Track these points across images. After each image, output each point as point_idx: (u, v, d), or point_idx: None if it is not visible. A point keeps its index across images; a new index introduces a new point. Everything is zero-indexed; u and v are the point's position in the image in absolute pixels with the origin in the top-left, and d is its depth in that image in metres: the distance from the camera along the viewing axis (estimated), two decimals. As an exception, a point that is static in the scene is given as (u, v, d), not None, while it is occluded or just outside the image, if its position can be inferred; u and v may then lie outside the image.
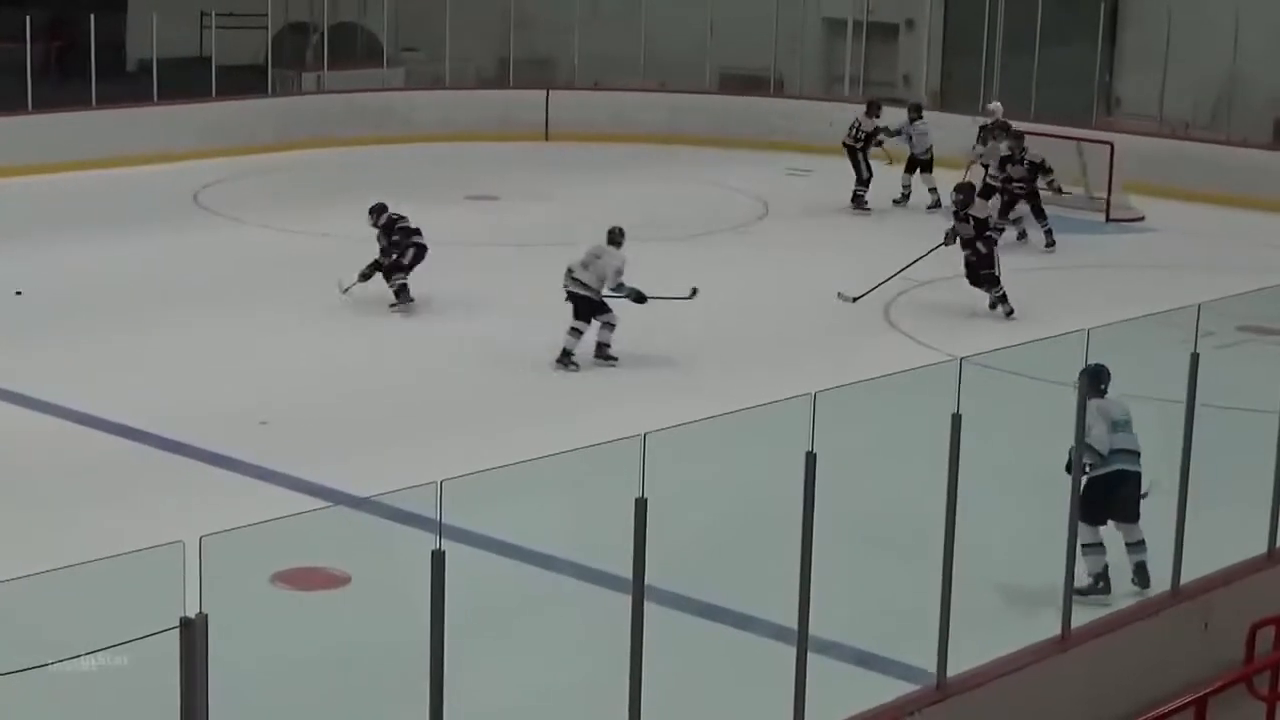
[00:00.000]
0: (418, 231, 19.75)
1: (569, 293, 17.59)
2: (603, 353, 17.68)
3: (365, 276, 19.55)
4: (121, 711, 9.00)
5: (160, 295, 20.27)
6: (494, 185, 27.28)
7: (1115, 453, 11.71)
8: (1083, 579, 11.17)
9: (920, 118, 26.79)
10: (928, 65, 33.26)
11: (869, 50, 33.27)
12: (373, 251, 19.66)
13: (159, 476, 14.24)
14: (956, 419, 9.30)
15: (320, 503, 12.87)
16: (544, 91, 32.22)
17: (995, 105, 26.92)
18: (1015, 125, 25.56)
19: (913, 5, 33.52)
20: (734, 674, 10.56)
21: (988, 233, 20.48)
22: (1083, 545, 11.21)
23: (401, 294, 19.60)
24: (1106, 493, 11.67)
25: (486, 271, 21.89)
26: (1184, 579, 11.10)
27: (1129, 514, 11.77)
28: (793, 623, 8.78)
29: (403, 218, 19.81)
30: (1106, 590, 11.65)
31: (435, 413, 16.08)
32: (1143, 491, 11.80)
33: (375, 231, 19.74)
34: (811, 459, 8.53)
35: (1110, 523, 11.78)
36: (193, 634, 6.61)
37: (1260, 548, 11.80)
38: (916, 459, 10.92)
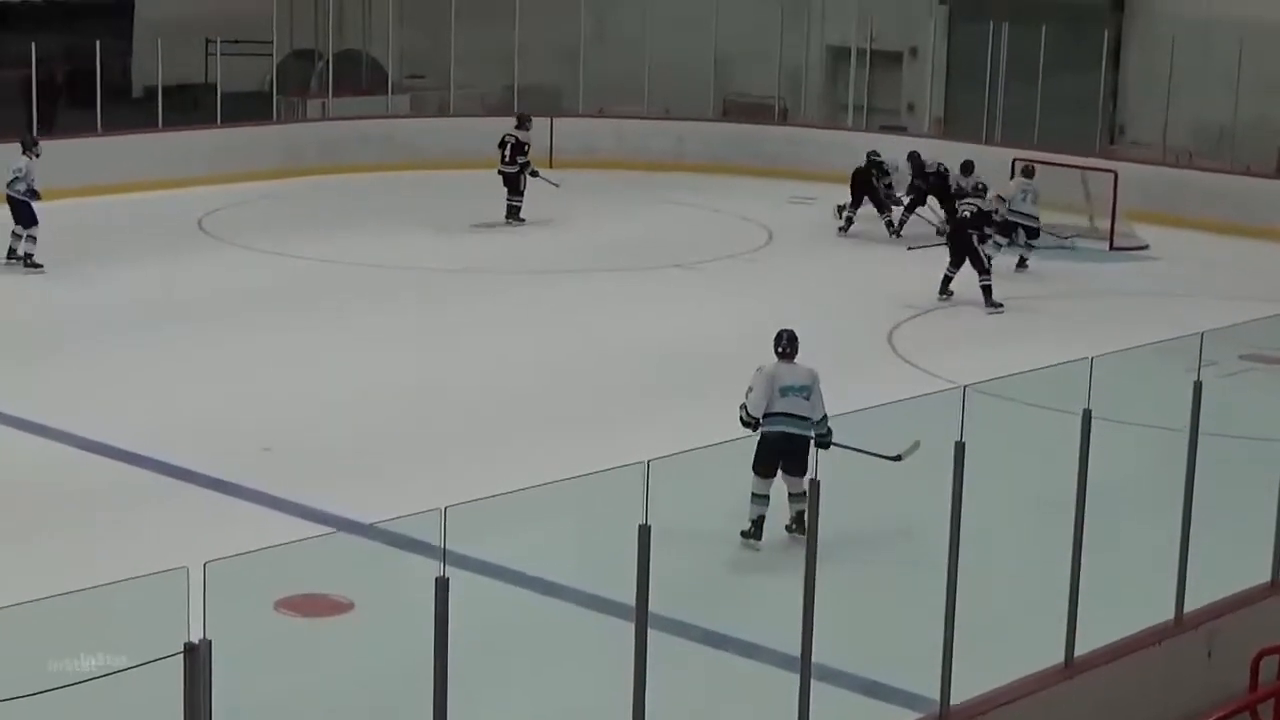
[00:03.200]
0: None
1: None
2: None
3: None
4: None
5: (164, 321, 20.27)
6: (498, 213, 27.30)
7: (776, 415, 13.14)
8: (745, 524, 12.08)
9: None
10: (931, 93, 33.31)
11: (873, 78, 33.32)
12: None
13: (162, 503, 14.23)
14: (960, 447, 9.31)
15: (323, 529, 12.85)
16: (548, 119, 32.29)
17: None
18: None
19: (916, 33, 33.57)
20: (738, 702, 10.55)
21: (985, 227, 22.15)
22: (752, 494, 12.98)
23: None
24: (774, 450, 12.98)
25: (491, 298, 21.91)
26: (1188, 607, 11.09)
27: (792, 469, 12.96)
28: (797, 650, 8.77)
29: None
30: (758, 538, 12.92)
31: (439, 439, 16.07)
32: (896, 455, 12.48)
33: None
34: (815, 486, 8.54)
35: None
36: (196, 660, 6.61)
37: (1264, 576, 11.80)
38: (921, 486, 10.92)
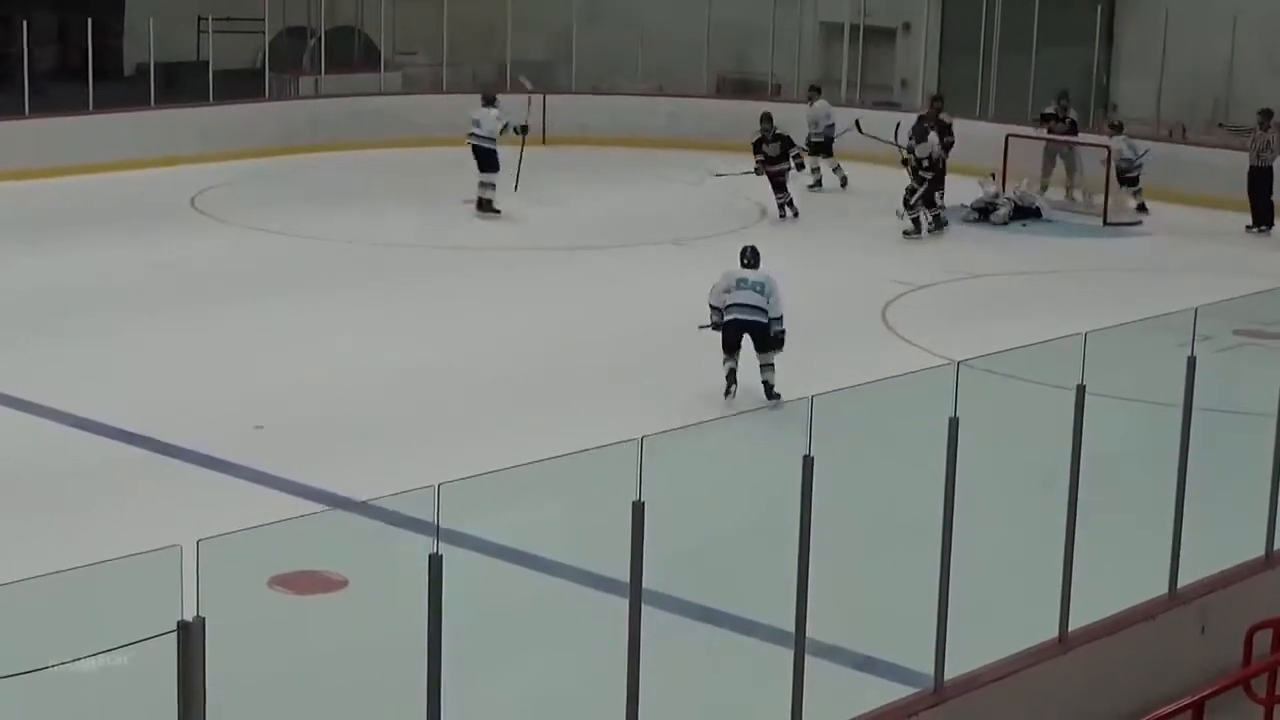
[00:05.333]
0: None
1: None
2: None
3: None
4: (120, 715, 8.99)
5: (157, 299, 20.26)
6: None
7: (733, 305, 16.12)
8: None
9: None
10: (925, 68, 33.25)
11: (866, 54, 33.25)
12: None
13: (155, 480, 14.23)
14: (954, 423, 9.31)
15: (317, 506, 12.86)
16: (542, 96, 32.22)
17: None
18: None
19: (910, 8, 33.49)
20: (732, 678, 10.57)
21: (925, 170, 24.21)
22: (725, 365, 16.20)
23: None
24: (734, 335, 16.18)
25: (485, 275, 21.90)
26: (1181, 582, 11.11)
27: (758, 346, 16.11)
28: (791, 626, 8.78)
29: None
30: (731, 392, 16.15)
31: (433, 415, 16.07)
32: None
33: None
34: (809, 462, 8.53)
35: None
36: (190, 637, 6.61)
37: (1258, 551, 11.81)
38: (914, 463, 10.92)
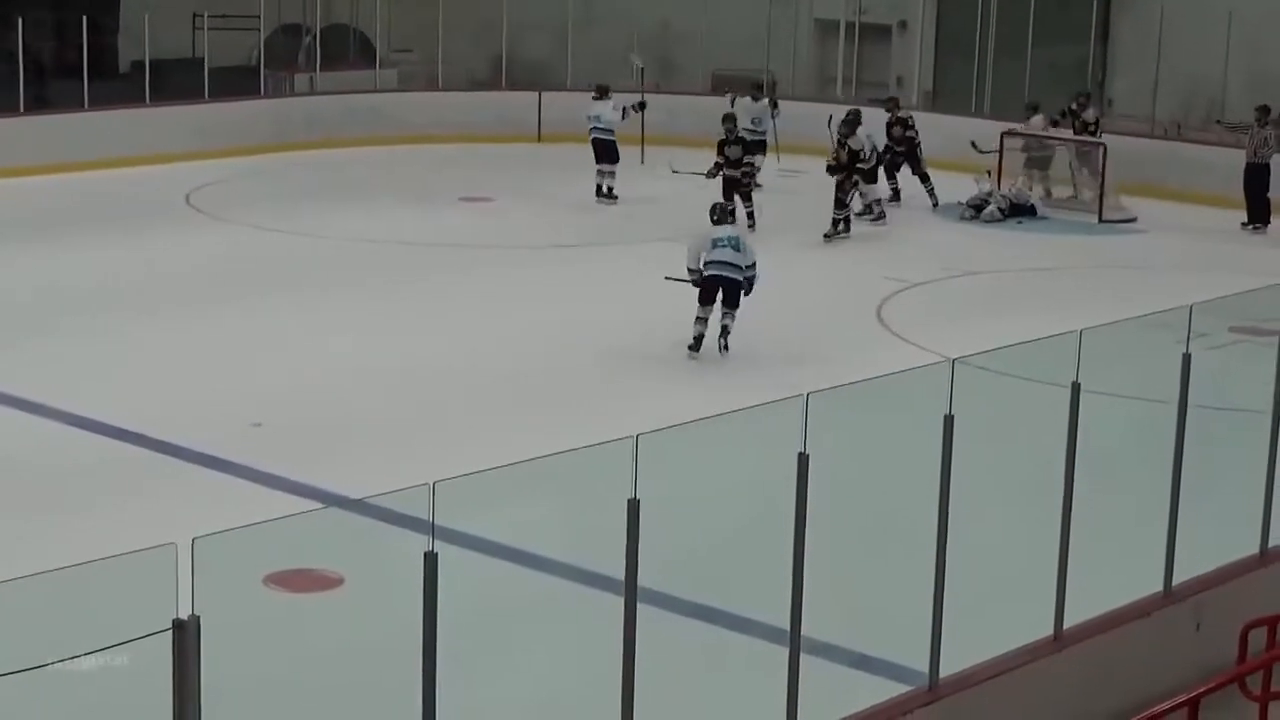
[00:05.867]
0: None
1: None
2: None
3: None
4: (115, 713, 9.00)
5: (153, 297, 20.25)
6: (488, 186, 27.30)
7: (711, 263, 17.79)
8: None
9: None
10: (920, 66, 33.26)
11: (861, 51, 33.27)
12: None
13: (151, 478, 14.23)
14: (949, 420, 9.32)
15: (313, 504, 12.87)
16: (537, 93, 32.21)
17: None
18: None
19: (905, 6, 33.50)
20: (727, 676, 10.56)
21: (857, 164, 24.18)
22: (695, 317, 17.80)
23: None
24: (711, 289, 17.76)
25: (481, 272, 21.90)
26: (1176, 579, 11.12)
27: (726, 302, 17.77)
28: (786, 624, 8.78)
29: None
30: (696, 350, 17.80)
31: (429, 413, 16.08)
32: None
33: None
34: (804, 460, 8.54)
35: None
36: (185, 636, 6.62)
37: (1252, 548, 11.83)
38: (909, 460, 10.93)
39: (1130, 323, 12.39)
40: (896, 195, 26.86)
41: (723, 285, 17.81)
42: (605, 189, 26.35)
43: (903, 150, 27.14)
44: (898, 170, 27.05)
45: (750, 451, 11.23)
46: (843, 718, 9.12)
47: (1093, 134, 27.59)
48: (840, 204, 24.05)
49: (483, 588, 10.67)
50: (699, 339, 17.80)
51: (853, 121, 24.70)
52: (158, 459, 14.66)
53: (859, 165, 24.42)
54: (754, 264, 17.91)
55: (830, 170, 24.26)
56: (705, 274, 17.85)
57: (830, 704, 9.14)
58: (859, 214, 25.10)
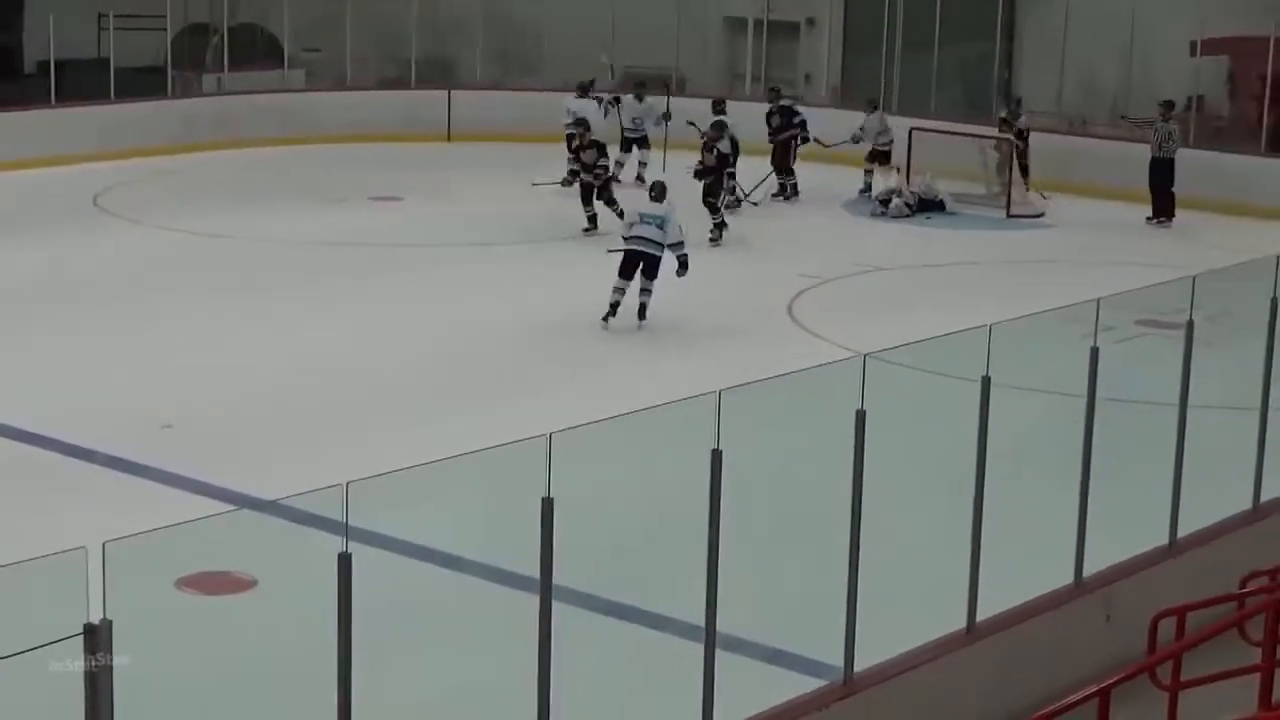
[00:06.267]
0: None
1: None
2: None
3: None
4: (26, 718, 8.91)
5: (61, 299, 20.07)
6: (397, 185, 27.21)
7: (632, 237, 18.86)
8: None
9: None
10: (828, 63, 33.39)
11: (770, 49, 33.35)
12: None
13: (60, 482, 14.09)
14: (860, 415, 9.35)
15: (224, 506, 12.77)
16: (445, 91, 32.13)
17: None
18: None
19: (813, 4, 33.63)
20: (643, 673, 10.57)
21: (728, 169, 24.59)
22: (612, 287, 18.73)
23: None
24: (631, 262, 18.76)
25: (391, 272, 21.82)
26: (1086, 571, 11.21)
27: (646, 273, 18.77)
28: (701, 621, 8.79)
29: None
30: (612, 316, 18.67)
31: (342, 414, 16.00)
32: None
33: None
34: (717, 456, 8.55)
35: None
36: (96, 640, 6.55)
37: (1161, 539, 11.94)
38: (822, 455, 10.96)
39: (1039, 317, 12.47)
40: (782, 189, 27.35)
41: (642, 259, 18.80)
42: (639, 177, 27.04)
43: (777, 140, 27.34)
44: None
45: (664, 449, 11.26)
46: (759, 713, 9.13)
47: (1024, 141, 27.61)
48: (713, 209, 23.76)
49: (397, 588, 10.63)
50: (614, 307, 18.69)
51: (720, 125, 24.82)
52: (67, 462, 14.52)
53: (728, 170, 24.56)
54: (681, 243, 18.98)
55: (698, 175, 23.89)
56: (626, 247, 18.87)
57: (746, 699, 9.15)
58: (774, 195, 26.64)
